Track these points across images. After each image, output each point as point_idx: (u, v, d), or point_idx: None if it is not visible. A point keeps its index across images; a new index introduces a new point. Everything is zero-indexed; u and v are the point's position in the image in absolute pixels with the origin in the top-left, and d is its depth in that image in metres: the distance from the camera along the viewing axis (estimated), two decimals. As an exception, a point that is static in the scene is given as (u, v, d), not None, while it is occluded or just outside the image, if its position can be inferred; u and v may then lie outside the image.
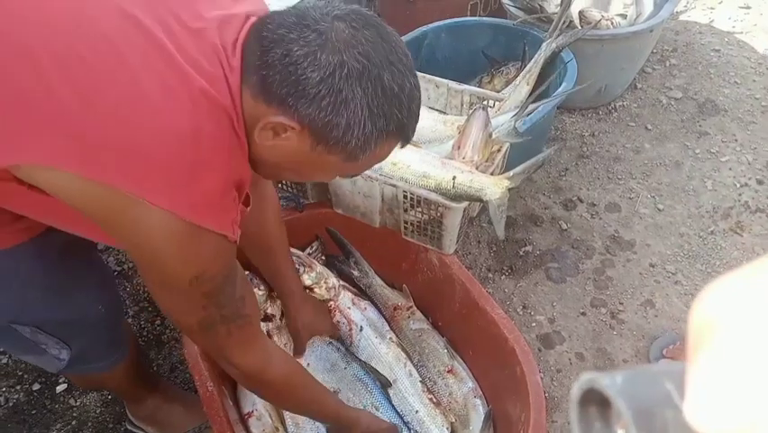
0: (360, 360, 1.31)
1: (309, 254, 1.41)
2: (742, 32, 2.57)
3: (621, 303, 1.66)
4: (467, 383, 1.26)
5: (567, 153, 2.10)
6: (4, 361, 1.56)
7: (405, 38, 1.95)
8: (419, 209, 1.23)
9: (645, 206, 1.92)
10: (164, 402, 1.37)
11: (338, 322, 1.35)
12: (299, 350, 1.34)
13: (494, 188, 1.14)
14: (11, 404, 1.48)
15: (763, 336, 0.22)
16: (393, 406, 1.25)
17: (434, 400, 1.25)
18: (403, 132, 0.78)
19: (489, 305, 1.21)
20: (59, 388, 1.51)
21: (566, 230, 1.85)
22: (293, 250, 1.32)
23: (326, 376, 1.29)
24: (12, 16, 0.65)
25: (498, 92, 1.72)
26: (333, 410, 1.12)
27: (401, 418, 1.24)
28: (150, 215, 0.67)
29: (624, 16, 2.11)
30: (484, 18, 2.17)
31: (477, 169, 1.21)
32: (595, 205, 1.92)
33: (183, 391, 1.47)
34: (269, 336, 1.30)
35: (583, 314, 1.64)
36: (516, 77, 1.79)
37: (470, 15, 2.24)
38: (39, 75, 0.62)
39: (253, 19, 0.74)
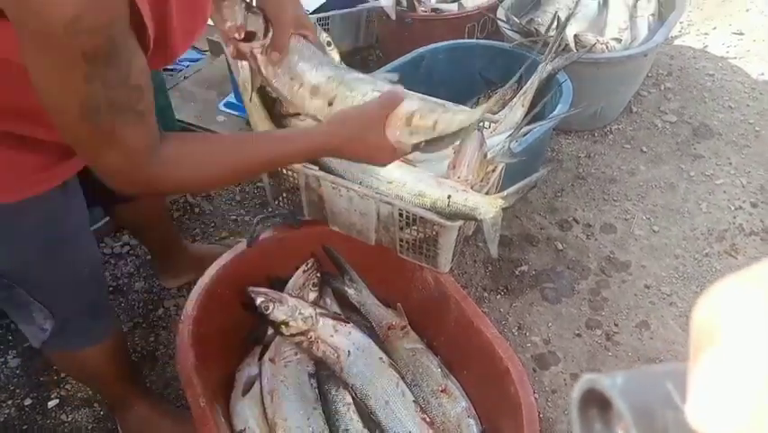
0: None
1: (304, 271, 1.42)
2: (735, 58, 2.61)
3: (616, 324, 1.66)
4: (460, 403, 1.26)
5: (563, 174, 2.11)
6: (-3, 376, 1.56)
7: (402, 59, 1.98)
8: (415, 228, 1.24)
9: (641, 227, 1.93)
10: (154, 415, 1.36)
11: (324, 352, 1.31)
12: (280, 44, 1.07)
13: (488, 207, 1.15)
14: (2, 419, 1.47)
15: (764, 338, 0.22)
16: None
17: (428, 420, 1.25)
18: None
19: (483, 324, 1.22)
20: (51, 403, 1.50)
21: (562, 250, 1.86)
22: (262, 289, 1.29)
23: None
24: None
25: (495, 113, 1.74)
26: (289, 147, 0.91)
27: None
28: None
29: (618, 40, 2.15)
30: (481, 40, 2.20)
31: (472, 188, 1.22)
32: (590, 226, 1.93)
33: (175, 408, 1.46)
34: (252, 56, 1.08)
35: (578, 335, 1.64)
36: (512, 98, 1.81)
37: (468, 38, 2.28)
38: None
39: None
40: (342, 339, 1.32)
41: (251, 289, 1.29)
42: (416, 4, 2.33)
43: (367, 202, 1.25)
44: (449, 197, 1.18)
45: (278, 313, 1.27)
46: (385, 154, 0.98)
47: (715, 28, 2.81)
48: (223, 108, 2.16)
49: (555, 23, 1.97)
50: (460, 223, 1.19)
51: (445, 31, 2.21)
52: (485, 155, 1.25)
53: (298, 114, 1.29)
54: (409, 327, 1.42)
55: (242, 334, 1.42)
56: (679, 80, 2.50)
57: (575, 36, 2.03)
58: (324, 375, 1.34)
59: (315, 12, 2.25)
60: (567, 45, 1.96)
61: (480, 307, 1.57)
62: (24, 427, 1.46)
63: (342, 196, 1.28)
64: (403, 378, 1.30)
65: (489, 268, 1.81)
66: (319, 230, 1.41)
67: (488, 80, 2.02)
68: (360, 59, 2.63)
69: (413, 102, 1.01)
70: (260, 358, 1.36)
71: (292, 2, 1.10)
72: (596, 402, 0.27)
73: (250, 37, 1.05)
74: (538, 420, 1.07)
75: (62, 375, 1.54)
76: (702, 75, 2.52)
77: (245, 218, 1.97)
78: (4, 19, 0.64)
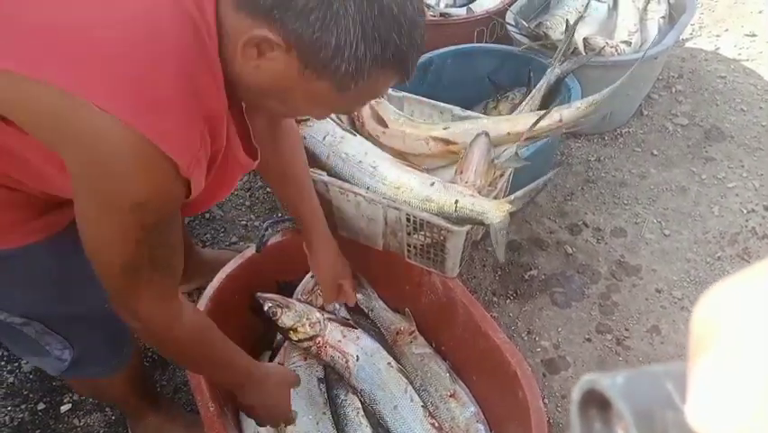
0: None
1: (313, 276, 1.42)
2: (748, 60, 2.59)
3: (627, 329, 1.64)
4: (469, 408, 1.26)
5: (573, 178, 2.10)
6: (11, 380, 1.57)
7: (411, 64, 1.98)
8: (422, 232, 1.24)
9: (651, 231, 1.91)
10: (166, 422, 1.37)
11: (332, 357, 1.32)
12: (329, 297, 1.34)
13: (495, 211, 1.15)
14: (15, 423, 1.49)
15: (764, 338, 0.22)
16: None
17: (437, 425, 1.24)
18: (402, 62, 0.70)
19: (491, 329, 1.21)
20: (64, 408, 1.52)
21: (571, 255, 1.85)
22: (270, 295, 1.32)
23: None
24: None
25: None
26: (244, 371, 1.05)
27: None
28: (98, 120, 0.60)
29: (628, 43, 2.13)
30: (490, 44, 2.20)
31: (479, 193, 1.22)
32: (601, 230, 1.92)
33: (185, 412, 1.47)
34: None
35: (589, 340, 1.63)
36: (521, 102, 1.81)
37: (477, 42, 2.27)
38: None
39: None
40: (349, 344, 1.32)
41: (259, 294, 1.30)
42: (424, 8, 2.34)
43: (374, 207, 1.26)
44: (456, 201, 1.18)
45: (285, 319, 1.28)
46: (280, 406, 1.17)
47: (727, 30, 2.79)
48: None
49: (565, 27, 1.97)
50: (467, 228, 1.19)
51: (454, 35, 2.21)
52: (492, 160, 1.25)
53: (306, 119, 1.31)
54: (417, 332, 1.42)
55: (251, 338, 1.43)
56: (690, 83, 2.48)
57: (584, 39, 2.02)
58: (333, 380, 1.34)
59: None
60: (576, 49, 1.96)
61: (490, 311, 1.57)
62: (38, 431, 1.48)
63: (349, 201, 1.29)
64: (411, 383, 1.30)
65: (499, 272, 1.80)
66: (327, 235, 1.41)
67: (496, 84, 2.02)
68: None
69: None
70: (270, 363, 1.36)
71: (331, 249, 1.30)
72: (596, 402, 0.27)
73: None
74: (547, 425, 1.07)
75: (75, 379, 1.56)
76: (714, 77, 2.50)
77: (255, 223, 1.98)
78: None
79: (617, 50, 2.05)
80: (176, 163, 0.66)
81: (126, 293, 0.79)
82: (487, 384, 1.28)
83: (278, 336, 1.38)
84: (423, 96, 1.57)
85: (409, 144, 1.40)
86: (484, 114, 1.81)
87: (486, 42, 2.29)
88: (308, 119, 1.30)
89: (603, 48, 2.00)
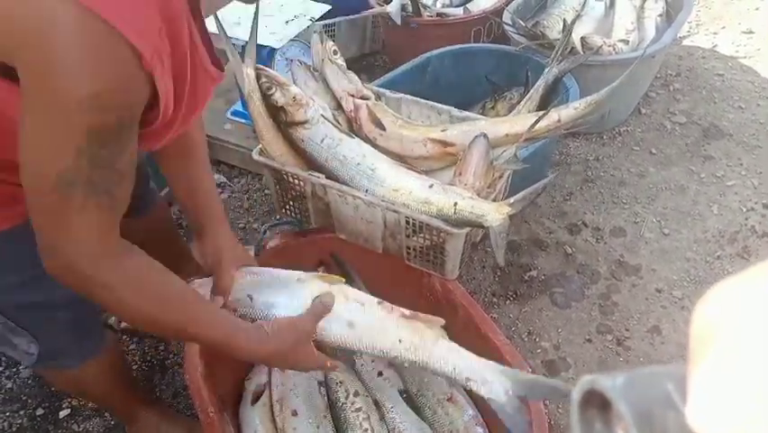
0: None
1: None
2: (745, 57, 2.58)
3: (627, 329, 1.64)
4: (467, 411, 1.25)
5: (571, 178, 2.10)
6: (9, 385, 1.57)
7: (408, 64, 1.98)
8: (421, 235, 1.24)
9: (651, 230, 1.91)
10: (163, 422, 1.37)
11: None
12: (223, 286, 1.07)
13: (495, 214, 1.15)
14: (14, 429, 1.48)
15: (764, 340, 0.22)
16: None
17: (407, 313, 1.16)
18: None
19: (491, 331, 1.21)
20: (63, 413, 1.51)
21: (571, 255, 1.84)
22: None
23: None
24: None
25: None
26: (228, 330, 0.90)
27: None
28: (50, 1, 0.58)
29: (626, 42, 2.13)
30: (487, 44, 2.20)
31: (478, 195, 1.21)
32: (600, 229, 1.92)
33: (184, 417, 1.47)
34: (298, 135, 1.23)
35: (589, 340, 1.62)
36: (519, 102, 1.81)
37: (474, 42, 2.27)
38: None
39: None
40: None
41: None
42: (421, 9, 2.33)
43: (373, 210, 1.25)
44: (455, 204, 1.17)
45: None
46: (309, 364, 1.02)
47: (724, 27, 2.79)
48: (230, 117, 2.18)
49: (562, 26, 1.96)
50: (466, 230, 1.19)
51: (451, 35, 2.21)
52: (491, 162, 1.24)
53: (304, 122, 1.30)
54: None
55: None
56: (688, 81, 2.48)
57: (582, 38, 2.02)
58: (334, 383, 1.34)
59: (320, 19, 2.26)
60: (574, 48, 1.95)
61: (490, 313, 1.57)
62: (36, 436, 1.48)
63: (348, 204, 1.28)
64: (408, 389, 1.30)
65: (498, 273, 1.80)
66: (326, 238, 1.41)
67: (494, 84, 2.02)
68: (366, 64, 2.64)
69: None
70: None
71: (229, 237, 1.13)
72: (596, 403, 0.27)
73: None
74: (548, 427, 1.06)
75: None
76: (712, 75, 2.50)
77: (253, 226, 1.98)
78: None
79: (614, 49, 2.05)
80: (139, 52, 0.61)
81: (53, 218, 0.70)
82: (487, 386, 1.27)
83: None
84: (420, 97, 1.56)
85: (407, 146, 1.40)
86: (482, 114, 1.81)
87: (483, 42, 2.29)
88: (306, 122, 1.29)
89: (601, 47, 1.99)
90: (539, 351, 1.61)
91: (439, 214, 1.19)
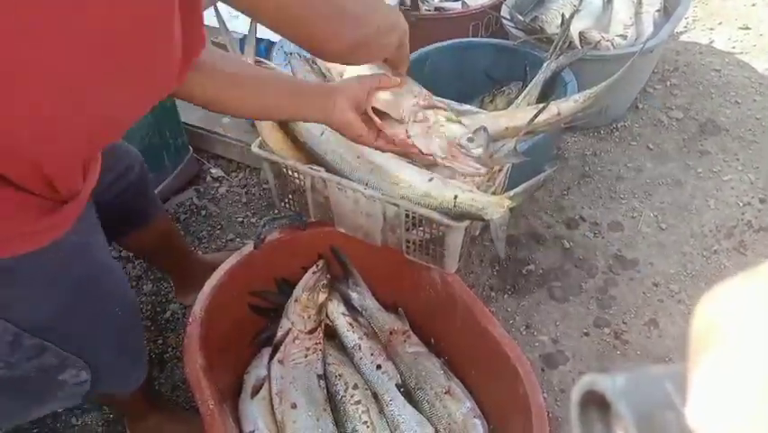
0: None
1: (314, 273, 1.42)
2: (742, 53, 2.59)
3: (625, 323, 1.65)
4: (465, 404, 1.26)
5: (569, 172, 2.11)
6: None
7: (407, 59, 1.97)
8: (421, 228, 1.24)
9: (648, 225, 1.92)
10: (164, 421, 1.37)
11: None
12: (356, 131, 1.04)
13: (495, 207, 1.15)
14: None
15: (764, 340, 0.22)
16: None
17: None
18: None
19: (490, 324, 1.21)
20: (61, 407, 1.51)
21: (569, 249, 1.85)
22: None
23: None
24: None
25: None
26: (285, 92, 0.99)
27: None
28: None
29: (624, 37, 2.13)
30: (485, 39, 2.20)
31: (478, 188, 1.21)
32: (597, 224, 1.93)
33: (184, 410, 1.47)
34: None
35: (587, 334, 1.63)
36: (517, 97, 1.81)
37: (472, 36, 2.27)
38: None
39: None
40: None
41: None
42: (419, 3, 2.33)
43: (373, 203, 1.25)
44: (455, 197, 1.17)
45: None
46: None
47: (721, 23, 2.79)
48: (228, 110, 2.16)
49: (560, 21, 1.96)
50: (466, 223, 1.19)
51: (449, 29, 2.20)
52: (490, 155, 1.24)
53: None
54: (411, 332, 1.42)
55: (250, 335, 1.42)
56: (685, 76, 2.48)
57: (580, 33, 2.02)
58: (334, 376, 1.34)
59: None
60: (572, 42, 1.95)
61: (488, 306, 1.57)
62: (35, 430, 1.47)
63: (348, 197, 1.28)
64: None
65: (496, 267, 1.80)
66: (326, 231, 1.41)
67: (493, 79, 2.02)
68: (364, 59, 2.63)
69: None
70: (270, 360, 1.36)
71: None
72: (596, 403, 0.27)
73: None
74: (547, 420, 1.07)
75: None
76: (708, 70, 2.51)
77: (252, 220, 1.98)
78: None
79: (612, 44, 2.05)
80: None
81: None
82: (486, 379, 1.28)
83: (278, 334, 1.37)
84: (419, 92, 1.56)
85: (407, 140, 1.39)
86: (480, 108, 1.81)
87: (481, 37, 2.29)
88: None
89: (599, 42, 1.99)
90: (537, 344, 1.61)
91: (439, 207, 1.19)
